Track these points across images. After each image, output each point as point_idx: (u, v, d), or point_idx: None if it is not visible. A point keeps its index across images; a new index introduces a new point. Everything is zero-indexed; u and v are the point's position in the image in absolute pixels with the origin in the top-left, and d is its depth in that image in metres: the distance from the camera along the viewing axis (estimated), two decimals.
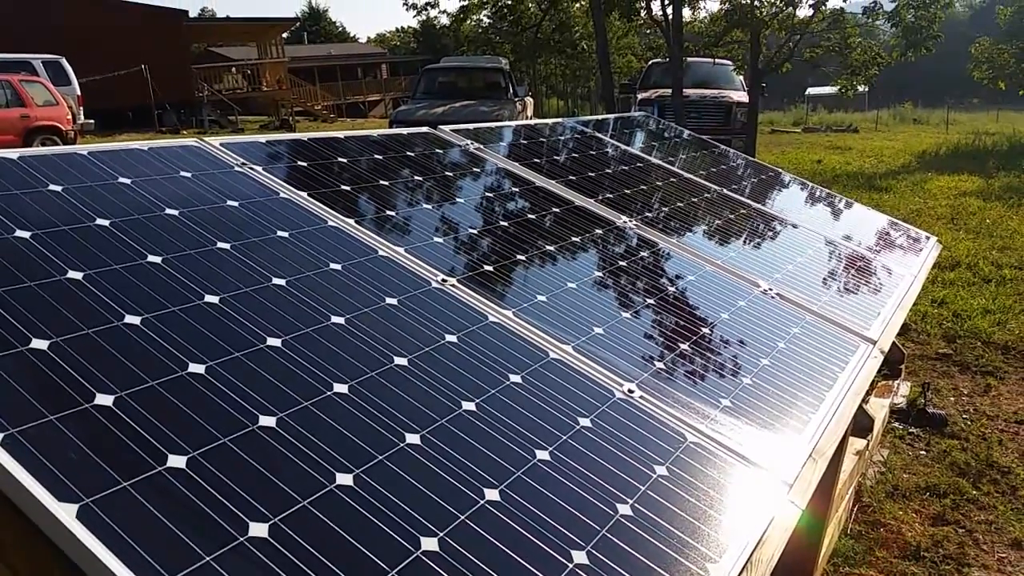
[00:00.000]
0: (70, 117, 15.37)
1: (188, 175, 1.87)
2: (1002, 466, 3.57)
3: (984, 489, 3.39)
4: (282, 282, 1.56)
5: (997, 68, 21.72)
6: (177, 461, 1.08)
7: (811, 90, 37.51)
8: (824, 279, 2.88)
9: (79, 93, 17.33)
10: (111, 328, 1.28)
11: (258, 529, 1.02)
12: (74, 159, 1.79)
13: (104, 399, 1.14)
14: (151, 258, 1.50)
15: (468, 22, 24.97)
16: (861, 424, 3.18)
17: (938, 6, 14.77)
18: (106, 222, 1.57)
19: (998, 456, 3.66)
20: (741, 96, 15.39)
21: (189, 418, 1.16)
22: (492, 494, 1.22)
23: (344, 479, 1.14)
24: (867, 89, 23.06)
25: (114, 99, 22.00)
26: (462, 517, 1.15)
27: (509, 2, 22.50)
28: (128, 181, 1.76)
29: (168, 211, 1.68)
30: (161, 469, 1.06)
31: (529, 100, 16.95)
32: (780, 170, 4.68)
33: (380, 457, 1.20)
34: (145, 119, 22.77)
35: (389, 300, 1.66)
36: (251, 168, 1.99)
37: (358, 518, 1.08)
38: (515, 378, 1.56)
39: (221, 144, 2.07)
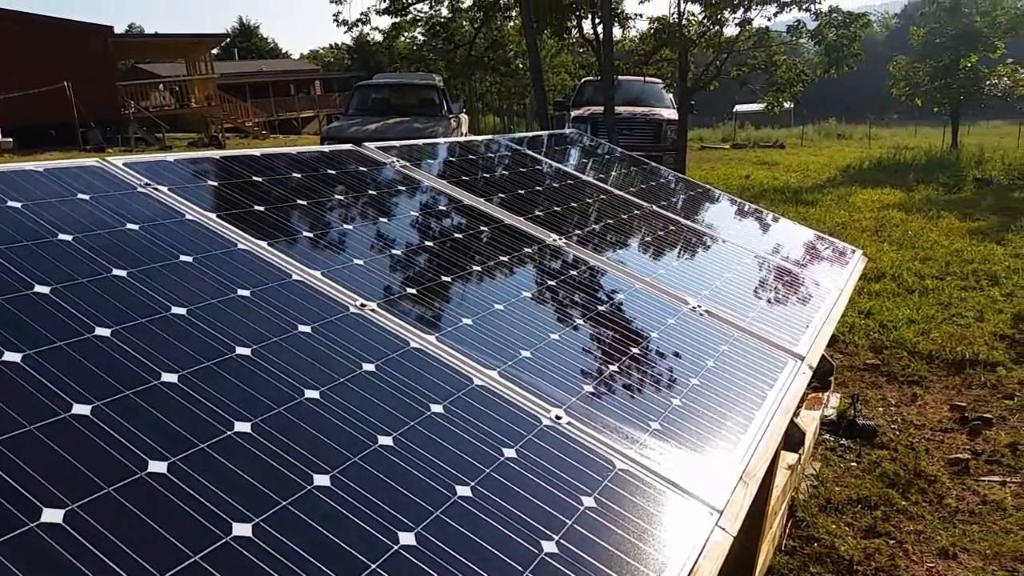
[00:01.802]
0: None
1: (86, 197, 1.75)
2: (929, 475, 3.63)
3: (913, 499, 3.43)
4: (182, 311, 1.45)
5: (913, 86, 22.59)
6: (53, 515, 0.98)
7: (739, 107, 38.45)
8: (752, 294, 2.88)
9: None
10: None
11: None
12: None
13: None
14: (38, 288, 1.38)
15: (401, 39, 24.86)
16: (792, 438, 3.19)
17: (857, 25, 15.29)
18: None
19: (925, 465, 3.73)
20: (671, 113, 15.65)
21: (70, 466, 1.05)
22: (407, 537, 1.14)
23: (242, 529, 1.04)
24: (792, 105, 23.76)
25: (35, 116, 21.22)
26: (373, 566, 1.07)
27: (442, 20, 22.48)
28: (18, 205, 1.64)
29: (61, 236, 1.56)
30: (33, 525, 0.95)
31: (464, 117, 16.92)
32: (709, 186, 4.71)
33: (283, 503, 1.11)
34: (69, 137, 22.00)
35: (302, 328, 1.57)
36: (155, 189, 1.88)
37: (256, 573, 0.99)
38: (436, 408, 1.49)
39: (124, 164, 1.95)
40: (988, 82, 21.36)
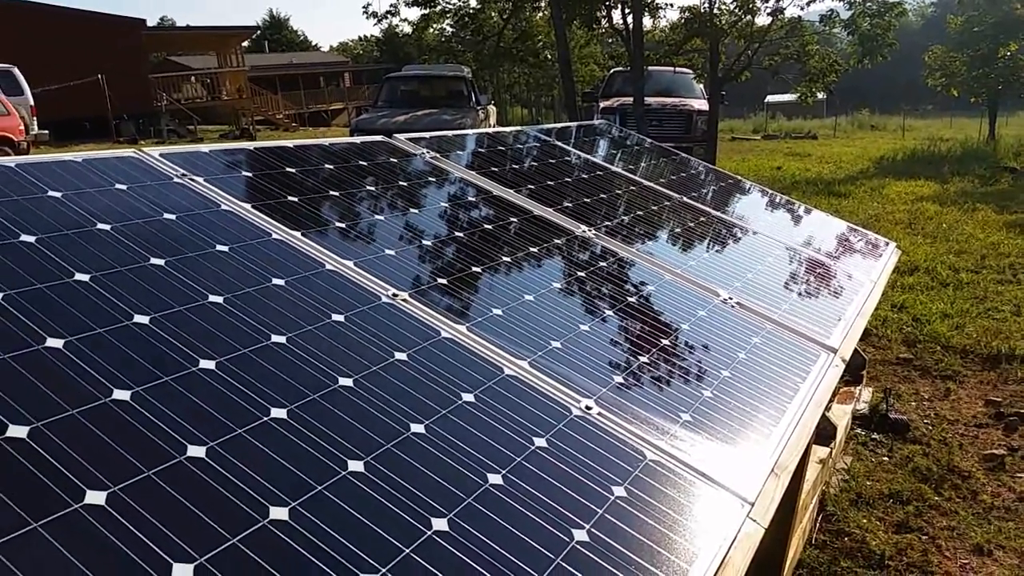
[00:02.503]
0: (22, 128, 14.99)
1: (123, 187, 1.78)
2: (963, 470, 3.58)
3: (946, 494, 3.39)
4: (219, 300, 1.47)
5: (950, 76, 22.19)
6: (95, 497, 1.00)
7: (770, 98, 38.05)
8: (784, 287, 2.86)
9: (32, 103, 16.91)
10: (31, 352, 1.19)
11: (182, 571, 0.94)
12: (1, 172, 1.69)
13: (17, 431, 1.05)
14: (78, 276, 1.41)
15: (430, 31, 24.88)
16: (824, 432, 3.16)
17: (892, 14, 15.04)
18: (31, 238, 1.48)
19: (959, 460, 3.68)
20: (701, 104, 15.50)
21: (111, 450, 1.08)
22: (440, 523, 1.15)
23: (278, 513, 1.06)
24: (825, 96, 23.43)
25: (70, 109, 21.54)
26: (407, 550, 1.08)
27: (471, 11, 22.45)
28: (58, 195, 1.67)
29: (99, 226, 1.59)
30: (77, 506, 0.98)
31: (492, 108, 16.93)
32: (740, 177, 4.67)
33: (319, 488, 1.13)
34: (103, 130, 22.33)
35: (335, 317, 1.58)
36: (191, 179, 1.91)
37: (292, 556, 1.01)
38: (468, 397, 1.50)
39: (160, 155, 1.98)
40: None
